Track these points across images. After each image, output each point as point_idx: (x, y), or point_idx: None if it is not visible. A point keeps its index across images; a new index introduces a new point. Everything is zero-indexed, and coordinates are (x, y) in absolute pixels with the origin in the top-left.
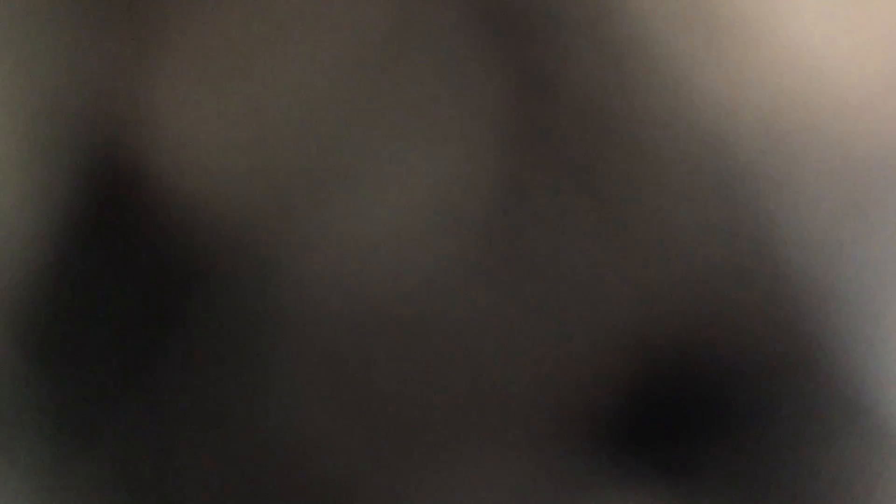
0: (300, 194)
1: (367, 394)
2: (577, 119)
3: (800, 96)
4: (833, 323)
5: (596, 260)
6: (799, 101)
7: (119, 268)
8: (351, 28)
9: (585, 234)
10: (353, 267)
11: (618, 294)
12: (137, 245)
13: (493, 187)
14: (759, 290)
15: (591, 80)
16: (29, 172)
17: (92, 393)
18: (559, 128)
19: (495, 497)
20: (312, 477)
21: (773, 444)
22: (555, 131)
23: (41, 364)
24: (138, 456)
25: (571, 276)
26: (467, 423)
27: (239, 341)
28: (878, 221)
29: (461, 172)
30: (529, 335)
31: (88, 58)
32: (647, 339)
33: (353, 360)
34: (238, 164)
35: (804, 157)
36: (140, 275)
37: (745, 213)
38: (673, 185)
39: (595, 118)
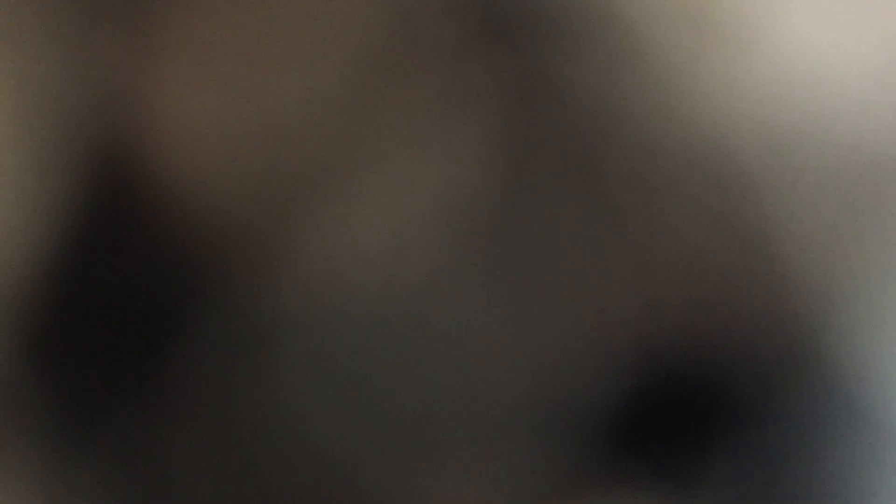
0: (301, 195)
1: (368, 393)
2: (577, 121)
3: (799, 97)
4: (833, 323)
5: (596, 260)
6: (798, 101)
7: (119, 268)
8: (352, 29)
9: (585, 235)
10: (354, 267)
11: (618, 294)
12: (138, 245)
13: (494, 188)
14: (759, 289)
15: (592, 82)
16: (29, 173)
17: (92, 393)
18: (560, 129)
19: (495, 496)
20: (312, 475)
21: (773, 444)
22: (555, 133)
23: (41, 364)
24: (138, 456)
25: (571, 277)
26: (467, 422)
27: (239, 341)
28: (877, 221)
29: (462, 173)
30: (529, 335)
31: (88, 58)
32: (647, 339)
33: (353, 360)
34: (239, 165)
35: (804, 158)
36: (140, 275)
37: (744, 214)
38: (673, 185)
39: (595, 119)
